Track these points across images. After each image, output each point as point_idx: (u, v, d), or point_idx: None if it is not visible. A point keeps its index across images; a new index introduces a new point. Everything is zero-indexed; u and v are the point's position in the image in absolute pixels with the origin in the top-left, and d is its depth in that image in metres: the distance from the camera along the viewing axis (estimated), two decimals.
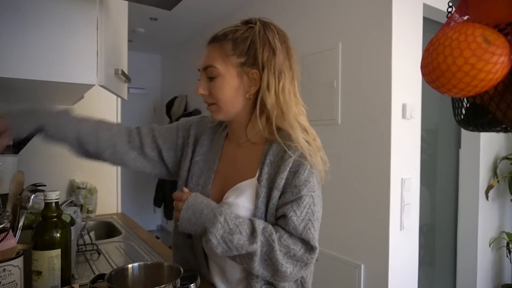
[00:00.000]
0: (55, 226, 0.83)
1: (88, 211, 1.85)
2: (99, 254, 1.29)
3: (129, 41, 1.62)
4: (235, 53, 0.84)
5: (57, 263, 0.81)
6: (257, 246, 0.76)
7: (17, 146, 1.07)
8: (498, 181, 2.44)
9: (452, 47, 0.51)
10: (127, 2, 1.34)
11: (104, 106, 1.96)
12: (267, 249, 0.77)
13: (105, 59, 1.03)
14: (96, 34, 1.00)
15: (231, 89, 0.85)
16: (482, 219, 2.41)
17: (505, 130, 0.59)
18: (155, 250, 1.35)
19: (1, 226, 0.78)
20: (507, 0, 0.53)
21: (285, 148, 0.82)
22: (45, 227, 0.83)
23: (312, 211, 0.80)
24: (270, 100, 0.83)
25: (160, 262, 0.93)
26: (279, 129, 0.85)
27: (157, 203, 4.35)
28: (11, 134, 0.87)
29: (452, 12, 0.63)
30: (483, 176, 2.41)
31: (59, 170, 1.83)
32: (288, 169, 0.81)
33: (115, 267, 1.16)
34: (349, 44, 2.03)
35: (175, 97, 4.24)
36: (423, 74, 0.56)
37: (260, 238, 0.76)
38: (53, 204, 0.83)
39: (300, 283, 0.89)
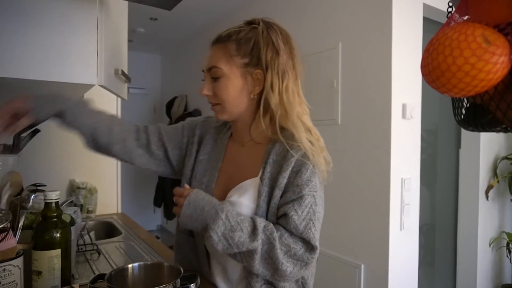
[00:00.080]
0: (55, 226, 0.83)
1: (88, 211, 1.85)
2: (99, 254, 1.29)
3: (129, 41, 1.62)
4: (239, 53, 0.84)
5: (57, 263, 0.81)
6: (258, 244, 0.76)
7: (17, 146, 1.07)
8: (498, 181, 2.44)
9: (452, 47, 0.51)
10: (127, 2, 1.34)
11: (104, 106, 1.91)
12: (267, 247, 0.77)
13: (105, 59, 1.03)
14: (96, 34, 1.00)
15: (235, 90, 0.85)
16: (482, 219, 2.41)
17: (505, 130, 0.59)
18: (155, 250, 1.35)
19: (1, 226, 0.78)
20: (507, 0, 0.53)
21: (288, 148, 0.83)
22: (45, 227, 0.83)
23: (313, 210, 0.80)
24: (274, 100, 0.83)
25: (160, 262, 0.93)
26: (282, 128, 0.85)
27: (157, 203, 4.35)
28: (33, 116, 0.87)
29: (452, 12, 0.63)
30: (483, 176, 2.41)
31: (59, 170, 1.83)
32: (290, 168, 0.82)
33: (115, 267, 1.16)
34: (349, 44, 2.03)
35: (175, 97, 4.24)
36: (423, 74, 0.56)
37: (261, 236, 0.77)
38: (53, 204, 0.84)
39: (301, 284, 0.89)
